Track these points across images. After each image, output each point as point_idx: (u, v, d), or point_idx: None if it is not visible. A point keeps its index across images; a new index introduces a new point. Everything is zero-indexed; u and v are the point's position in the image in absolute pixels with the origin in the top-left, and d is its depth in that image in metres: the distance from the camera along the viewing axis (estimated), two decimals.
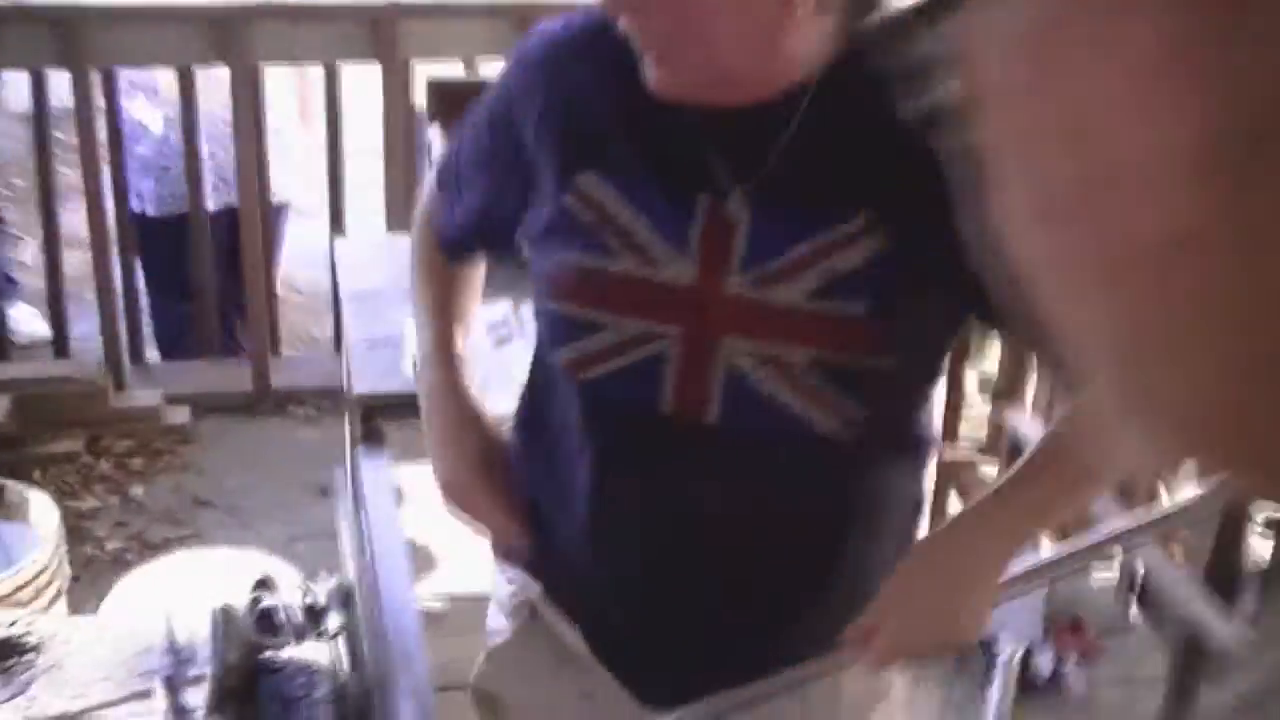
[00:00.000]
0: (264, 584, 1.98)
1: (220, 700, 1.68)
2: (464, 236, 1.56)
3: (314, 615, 1.91)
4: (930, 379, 1.38)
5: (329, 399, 4.17)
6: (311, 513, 3.61)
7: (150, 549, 3.32)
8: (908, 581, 1.36)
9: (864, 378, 1.25)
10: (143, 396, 3.92)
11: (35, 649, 1.85)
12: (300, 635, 1.87)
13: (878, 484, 1.42)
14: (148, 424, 3.84)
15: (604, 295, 1.28)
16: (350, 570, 1.91)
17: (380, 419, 2.18)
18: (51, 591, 2.21)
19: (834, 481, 1.36)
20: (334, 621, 1.87)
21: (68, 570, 2.39)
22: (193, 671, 1.82)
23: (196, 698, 1.77)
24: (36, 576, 2.15)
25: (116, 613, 2.01)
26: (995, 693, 1.91)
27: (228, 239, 4.15)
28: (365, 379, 2.19)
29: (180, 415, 3.91)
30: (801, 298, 1.22)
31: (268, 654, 1.81)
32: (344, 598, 1.90)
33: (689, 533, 1.37)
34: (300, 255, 4.71)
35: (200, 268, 4.12)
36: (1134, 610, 2.35)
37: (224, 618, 1.80)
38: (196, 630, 1.90)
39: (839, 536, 1.41)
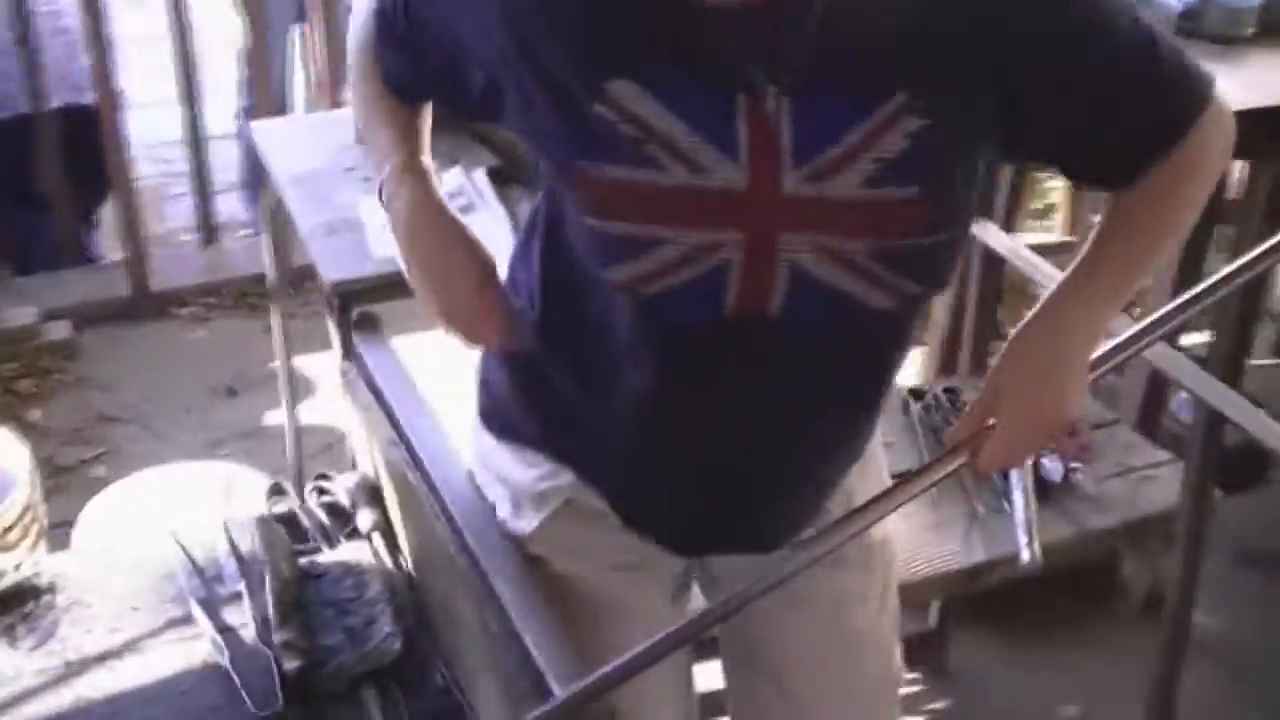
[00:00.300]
0: (278, 490, 1.90)
1: (284, 614, 1.62)
2: (415, 88, 1.48)
3: (339, 516, 1.85)
4: (966, 237, 1.38)
5: (213, 295, 4.01)
6: (223, 415, 3.48)
7: (66, 472, 3.16)
8: (1010, 380, 1.36)
9: (923, 256, 1.27)
10: (16, 315, 3.68)
11: (51, 589, 1.75)
12: (331, 538, 1.81)
13: (911, 330, 1.44)
14: (27, 344, 3.62)
15: (661, 211, 1.23)
16: (371, 466, 1.85)
17: (357, 305, 2.10)
18: (36, 530, 2.08)
19: (883, 345, 1.40)
20: (365, 520, 1.81)
21: (45, 507, 2.25)
22: (224, 590, 1.75)
23: (236, 616, 1.71)
24: (22, 516, 2.01)
25: (120, 541, 1.91)
26: (1019, 501, 1.96)
27: (68, 139, 3.90)
28: (335, 266, 2.09)
29: (60, 330, 3.70)
30: (857, 187, 1.20)
31: (304, 561, 1.75)
32: (371, 494, 1.84)
33: (745, 415, 1.37)
34: None
35: (51, 172, 3.86)
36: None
37: (266, 529, 1.72)
38: (211, 547, 1.82)
39: (880, 384, 1.45)
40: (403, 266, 1.48)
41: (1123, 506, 2.01)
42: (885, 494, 1.43)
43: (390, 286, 2.15)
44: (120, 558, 1.82)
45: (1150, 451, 2.17)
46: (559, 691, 1.31)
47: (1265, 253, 1.49)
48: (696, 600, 1.56)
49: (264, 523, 1.75)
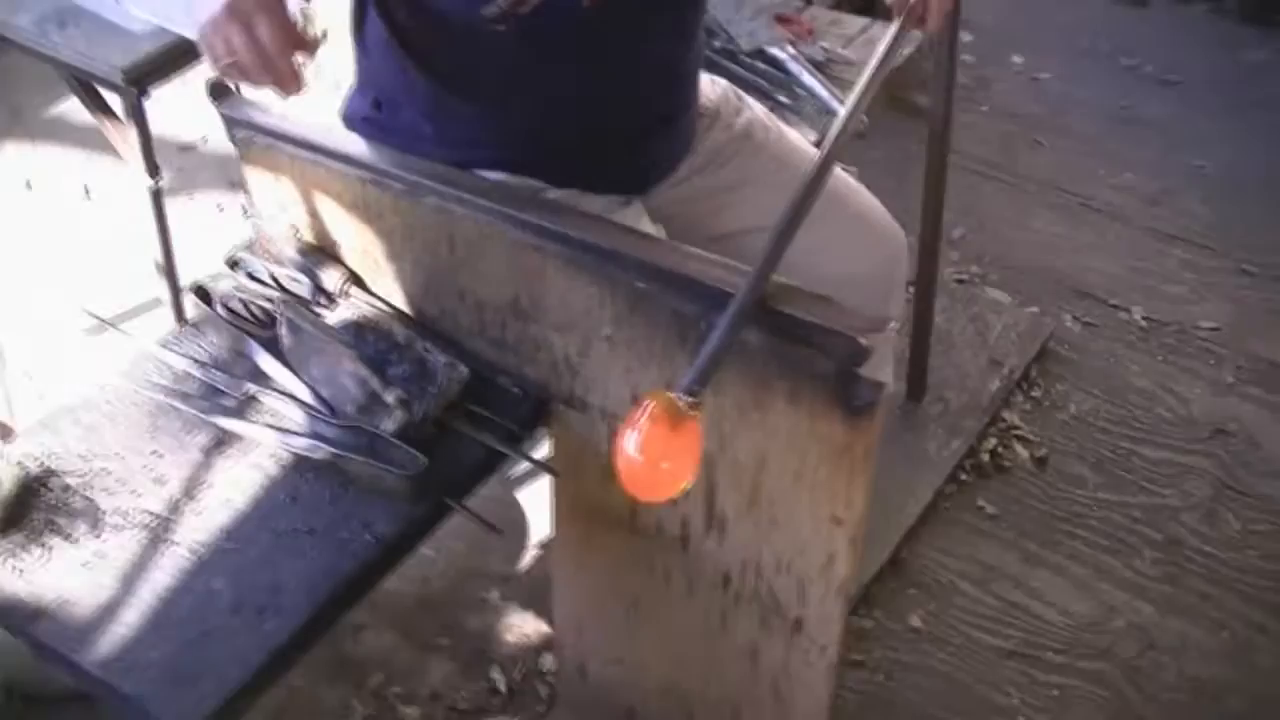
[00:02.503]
0: (202, 293, 1.72)
1: (380, 375, 1.53)
2: None
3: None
4: None
5: None
6: None
7: None
8: None
9: None
10: None
11: (48, 472, 1.51)
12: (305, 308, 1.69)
13: None
14: None
15: None
16: (309, 227, 1.72)
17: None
18: None
19: None
20: (332, 279, 1.70)
21: None
22: (232, 399, 1.60)
23: (265, 415, 1.58)
24: None
25: (62, 404, 1.61)
26: (813, 82, 2.22)
27: None
28: (107, 54, 1.81)
29: None
30: None
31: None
32: (318, 256, 1.72)
33: (618, 65, 1.60)
34: None
35: None
36: None
37: (292, 309, 1.58)
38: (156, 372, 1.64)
39: (699, 14, 1.72)
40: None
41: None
42: (870, 74, 1.60)
43: (178, 56, 1.96)
44: (85, 419, 1.59)
45: (851, 21, 2.48)
46: (743, 289, 1.36)
47: None
48: None
49: (288, 304, 1.60)
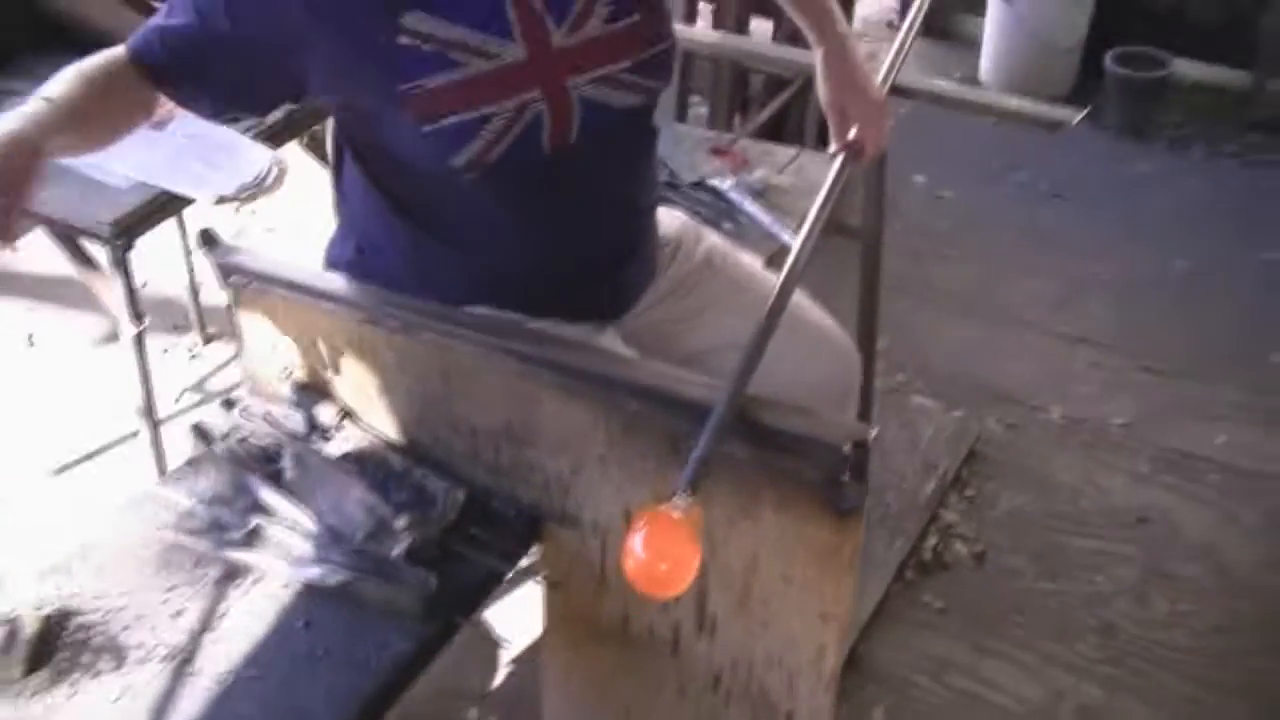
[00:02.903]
0: (202, 432, 1.79)
1: (392, 501, 1.61)
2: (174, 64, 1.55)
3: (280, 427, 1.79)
4: (675, 43, 1.78)
5: None
6: None
7: None
8: (846, 88, 1.89)
9: (660, 61, 1.70)
10: None
11: (64, 614, 1.56)
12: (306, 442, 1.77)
13: (654, 110, 1.83)
14: None
15: (477, 92, 1.56)
16: (302, 366, 1.80)
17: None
18: None
19: (644, 125, 1.79)
20: (328, 414, 1.78)
21: None
22: (237, 533, 1.66)
23: (272, 548, 1.65)
24: None
25: (73, 549, 1.64)
26: (753, 207, 2.36)
27: None
28: (96, 210, 1.89)
29: None
30: (602, 25, 1.62)
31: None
32: (311, 393, 1.80)
33: (577, 205, 1.72)
34: None
35: None
36: None
37: (303, 448, 1.65)
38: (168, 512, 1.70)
39: (650, 148, 1.85)
40: None
41: (809, 185, 2.45)
42: (817, 209, 1.75)
43: (158, 209, 2.05)
44: (95, 559, 1.64)
45: (780, 150, 2.64)
46: (722, 402, 1.47)
47: None
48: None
49: (293, 439, 1.67)
